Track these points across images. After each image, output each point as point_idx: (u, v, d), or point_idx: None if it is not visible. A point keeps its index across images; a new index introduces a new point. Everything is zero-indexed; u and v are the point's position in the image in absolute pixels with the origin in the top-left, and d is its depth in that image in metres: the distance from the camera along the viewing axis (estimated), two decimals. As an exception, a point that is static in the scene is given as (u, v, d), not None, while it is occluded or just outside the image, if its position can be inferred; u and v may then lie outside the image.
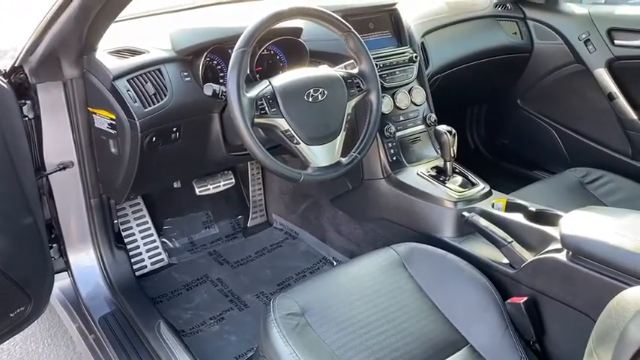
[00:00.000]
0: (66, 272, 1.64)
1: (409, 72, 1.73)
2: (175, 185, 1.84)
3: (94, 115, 1.43)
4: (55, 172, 1.49)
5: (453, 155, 1.52)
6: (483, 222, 1.36)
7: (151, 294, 1.75)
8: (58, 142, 1.47)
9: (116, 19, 1.33)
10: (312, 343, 1.08)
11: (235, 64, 1.21)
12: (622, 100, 1.93)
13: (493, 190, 1.51)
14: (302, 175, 1.28)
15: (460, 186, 1.53)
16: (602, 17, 1.95)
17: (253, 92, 1.26)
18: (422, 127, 1.73)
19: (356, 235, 1.83)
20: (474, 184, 1.53)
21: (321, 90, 1.31)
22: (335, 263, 1.93)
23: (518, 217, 1.35)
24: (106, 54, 1.38)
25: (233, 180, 1.92)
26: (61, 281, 1.64)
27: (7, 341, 1.58)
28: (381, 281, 1.24)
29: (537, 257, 1.20)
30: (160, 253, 1.94)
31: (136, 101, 1.32)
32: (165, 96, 1.36)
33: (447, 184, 1.53)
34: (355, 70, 1.41)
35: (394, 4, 1.76)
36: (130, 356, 1.43)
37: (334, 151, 1.33)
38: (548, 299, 1.16)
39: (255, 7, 1.90)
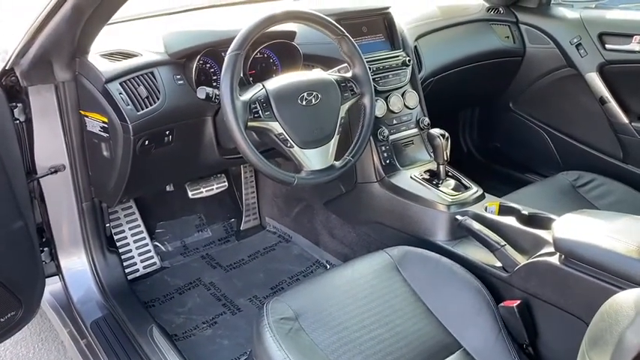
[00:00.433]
0: (57, 276, 1.63)
1: (402, 75, 1.73)
2: (168, 189, 1.83)
3: (86, 119, 1.42)
4: (47, 175, 1.48)
5: (446, 159, 1.52)
6: (476, 225, 1.36)
7: (143, 298, 1.74)
8: (50, 146, 1.46)
9: (109, 22, 1.32)
10: (305, 347, 1.08)
11: (229, 67, 1.21)
12: (613, 104, 1.94)
13: (486, 194, 1.51)
14: (295, 179, 1.28)
15: (453, 189, 1.53)
16: (593, 21, 1.96)
17: (247, 95, 1.26)
18: (415, 130, 1.73)
19: (349, 239, 1.83)
20: (467, 188, 1.53)
21: (314, 93, 1.31)
22: (328, 267, 1.93)
23: (511, 221, 1.35)
24: (98, 57, 1.37)
25: (226, 183, 1.91)
26: (52, 285, 1.62)
27: (-2, 346, 1.57)
28: (374, 285, 1.24)
29: (530, 261, 1.20)
30: (152, 257, 1.93)
31: (128, 104, 1.31)
32: (158, 99, 1.36)
33: (440, 188, 1.52)
34: (349, 74, 1.41)
35: (387, 8, 1.76)
36: None
37: (328, 155, 1.33)
38: (541, 302, 1.17)
39: (249, 10, 1.90)
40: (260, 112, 1.25)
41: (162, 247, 2.01)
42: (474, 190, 1.52)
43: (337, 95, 1.36)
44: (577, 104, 2.08)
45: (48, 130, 1.44)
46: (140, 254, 1.90)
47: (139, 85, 1.34)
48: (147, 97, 1.34)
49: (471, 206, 1.45)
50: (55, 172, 1.49)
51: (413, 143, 1.72)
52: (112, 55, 1.38)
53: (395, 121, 1.70)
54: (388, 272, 1.29)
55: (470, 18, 2.10)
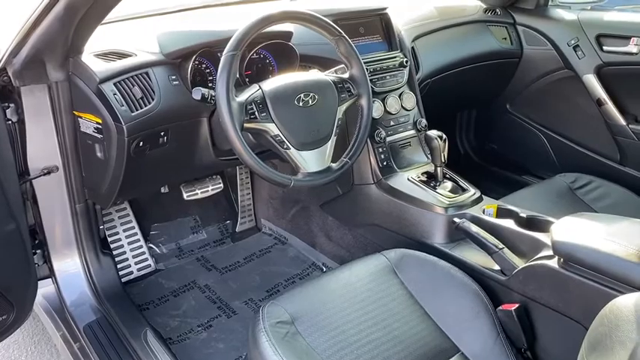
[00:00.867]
0: (50, 279, 1.61)
1: (399, 77, 1.72)
2: (163, 190, 1.81)
3: (79, 119, 1.40)
4: (40, 176, 1.46)
5: (443, 161, 1.51)
6: (474, 228, 1.35)
7: (137, 301, 1.72)
8: (43, 147, 1.44)
9: (103, 22, 1.30)
10: (301, 352, 1.06)
11: (225, 67, 1.20)
12: (611, 106, 1.94)
13: (484, 196, 1.51)
14: (292, 181, 1.27)
15: (450, 191, 1.52)
16: (591, 23, 1.96)
17: (243, 97, 1.24)
18: (412, 132, 1.72)
19: (346, 241, 1.82)
20: (464, 190, 1.52)
21: (311, 95, 1.30)
22: (325, 269, 1.91)
23: (509, 224, 1.34)
24: (92, 57, 1.35)
25: (221, 185, 1.90)
26: (45, 288, 1.60)
27: (-11, 349, 1.55)
28: (371, 288, 1.23)
29: (529, 264, 1.19)
30: (146, 259, 1.91)
31: (122, 105, 1.29)
32: (152, 100, 1.34)
33: (437, 190, 1.52)
34: (346, 75, 1.40)
35: (385, 9, 1.75)
36: None
37: (325, 157, 1.32)
38: (540, 306, 1.16)
39: (245, 10, 1.88)
40: (256, 113, 1.24)
41: (157, 249, 1.99)
42: (472, 192, 1.51)
43: (334, 96, 1.35)
44: (574, 106, 2.08)
45: (41, 130, 1.42)
46: (134, 256, 1.89)
47: (133, 86, 1.32)
48: (141, 98, 1.33)
49: (469, 209, 1.45)
50: (48, 173, 1.47)
51: (410, 145, 1.71)
52: (106, 55, 1.37)
53: (392, 123, 1.69)
54: (385, 275, 1.28)
55: (467, 19, 2.10)
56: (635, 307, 0.68)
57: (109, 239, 1.81)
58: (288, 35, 1.53)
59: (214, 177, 1.89)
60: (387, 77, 1.69)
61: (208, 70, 1.48)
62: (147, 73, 1.35)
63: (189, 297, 1.80)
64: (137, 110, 1.31)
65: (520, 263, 1.23)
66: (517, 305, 1.17)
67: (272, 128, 1.26)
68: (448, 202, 1.46)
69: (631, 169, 1.97)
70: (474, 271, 1.30)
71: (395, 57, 1.73)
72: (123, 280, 1.74)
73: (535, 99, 2.21)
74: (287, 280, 1.88)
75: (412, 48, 1.83)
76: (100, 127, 1.34)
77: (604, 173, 1.85)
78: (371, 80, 1.56)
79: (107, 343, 1.45)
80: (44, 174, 1.46)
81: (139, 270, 1.88)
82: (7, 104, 1.38)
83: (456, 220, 1.40)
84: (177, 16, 1.74)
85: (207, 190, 1.85)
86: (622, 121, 1.93)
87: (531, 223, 1.35)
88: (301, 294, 1.22)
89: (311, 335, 1.10)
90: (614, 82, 1.93)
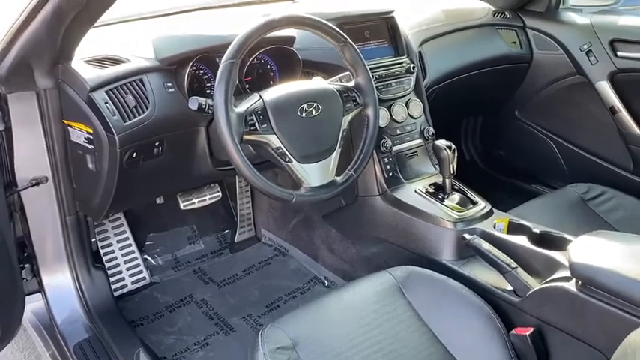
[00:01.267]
0: (40, 293, 1.54)
1: (406, 83, 1.65)
2: (158, 201, 1.74)
3: (69, 129, 1.33)
4: (28, 188, 1.39)
5: (452, 172, 1.45)
6: (485, 245, 1.29)
7: (130, 316, 1.66)
8: (31, 156, 1.37)
9: (95, 25, 1.23)
10: (303, 381, 1.00)
11: (223, 76, 1.13)
12: (624, 114, 1.87)
13: (494, 209, 1.45)
14: (294, 196, 1.20)
15: (459, 204, 1.47)
16: (604, 27, 1.90)
17: (242, 107, 1.18)
18: (419, 141, 1.66)
19: (349, 255, 1.75)
20: (474, 203, 1.47)
21: (315, 104, 1.24)
22: (327, 283, 1.84)
23: (521, 240, 1.29)
24: (83, 63, 1.28)
25: (220, 193, 1.82)
26: (34, 303, 1.54)
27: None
28: (377, 309, 1.17)
29: (544, 285, 1.14)
30: (141, 271, 1.84)
31: (114, 114, 1.23)
32: (147, 108, 1.28)
33: (445, 203, 1.46)
34: (351, 83, 1.33)
35: (391, 12, 1.68)
36: None
37: (329, 170, 1.26)
38: (556, 331, 1.10)
39: (246, 12, 1.81)
40: (257, 124, 1.17)
41: (153, 261, 1.92)
42: (482, 205, 1.45)
43: (339, 106, 1.28)
44: (586, 113, 2.02)
45: (29, 140, 1.36)
46: (128, 269, 1.82)
47: (126, 94, 1.26)
48: (135, 107, 1.26)
49: (479, 223, 1.39)
50: (37, 184, 1.40)
51: (417, 155, 1.64)
52: (97, 61, 1.30)
53: (398, 132, 1.62)
54: (391, 295, 1.22)
55: (476, 22, 2.03)
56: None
57: (102, 251, 1.74)
58: (290, 40, 1.46)
59: (212, 185, 1.82)
60: (394, 84, 1.63)
61: (206, 77, 1.41)
62: (141, 80, 1.29)
63: (185, 312, 1.73)
64: (130, 120, 1.25)
65: (534, 283, 1.18)
66: (532, 329, 1.11)
67: (273, 140, 1.19)
68: (457, 217, 1.40)
69: (645, 179, 1.91)
70: (485, 291, 1.24)
71: (401, 63, 1.66)
72: (116, 293, 1.68)
73: (545, 105, 2.15)
74: (287, 294, 1.81)
75: (419, 52, 1.77)
76: (90, 137, 1.27)
77: (616, 183, 1.79)
78: (377, 87, 1.49)
79: None
80: (33, 185, 1.39)
81: (133, 283, 1.81)
82: (-7, 112, 1.31)
83: (467, 236, 1.34)
84: (174, 19, 1.67)
85: (205, 200, 1.78)
86: (636, 130, 1.87)
87: (545, 240, 1.30)
88: (303, 316, 1.16)
89: (313, 362, 1.04)
90: (629, 89, 1.87)
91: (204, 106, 1.20)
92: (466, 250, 1.35)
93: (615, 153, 1.98)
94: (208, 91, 1.40)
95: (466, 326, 1.15)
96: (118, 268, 1.80)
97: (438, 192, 1.51)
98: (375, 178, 1.56)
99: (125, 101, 1.25)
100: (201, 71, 1.40)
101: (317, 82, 1.32)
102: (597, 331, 1.02)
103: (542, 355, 1.11)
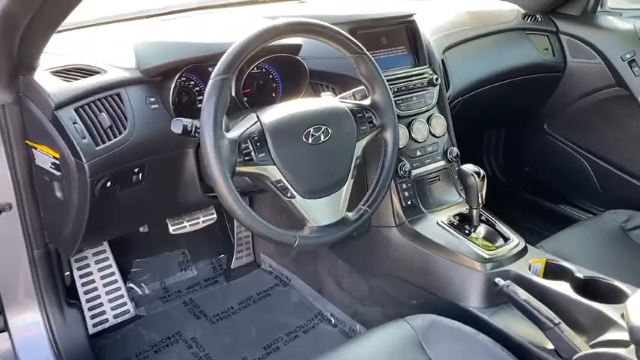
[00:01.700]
0: (5, 334, 1.35)
1: (428, 97, 1.45)
2: (142, 230, 1.53)
3: (34, 151, 1.14)
4: (-11, 216, 1.19)
5: (481, 202, 1.28)
6: (522, 294, 1.12)
7: (109, 359, 1.46)
8: (-8, 181, 1.18)
9: (63, 29, 1.04)
10: None
11: (212, 96, 0.94)
12: (671, 133, 1.69)
13: (528, 245, 1.27)
14: (297, 239, 1.01)
15: (485, 238, 1.29)
16: (651, 34, 1.71)
17: (236, 132, 0.98)
18: (442, 162, 1.46)
19: (360, 291, 1.55)
20: (505, 239, 1.28)
21: (324, 128, 1.04)
22: (333, 321, 1.64)
23: (564, 288, 1.13)
24: (48, 74, 1.08)
25: (215, 215, 1.61)
26: (-2, 345, 1.35)
27: None
28: None
29: (596, 351, 0.96)
30: (125, 303, 1.64)
31: (84, 137, 1.03)
32: (124, 129, 1.08)
33: (471, 236, 1.28)
34: (367, 101, 1.14)
35: (411, 15, 1.47)
36: None
37: (339, 205, 1.07)
38: (609, 405, 0.92)
39: (246, 13, 1.60)
40: (253, 153, 0.98)
41: (138, 290, 1.73)
42: (515, 241, 1.27)
43: (352, 129, 1.09)
44: (625, 129, 1.85)
45: (-11, 162, 1.16)
46: (111, 300, 1.62)
47: (100, 112, 1.06)
48: (110, 127, 1.07)
49: (511, 264, 1.22)
50: (0, 212, 1.21)
51: (439, 179, 1.45)
52: (67, 72, 1.10)
53: (418, 153, 1.43)
54: (410, 350, 1.06)
55: (504, 27, 1.83)
56: None
57: (81, 280, 1.55)
58: (296, 48, 1.26)
59: (206, 206, 1.62)
60: (414, 98, 1.43)
61: (197, 89, 1.22)
62: (118, 95, 1.09)
63: (173, 353, 1.54)
64: (104, 143, 1.05)
65: (582, 344, 1.01)
66: (578, 400, 0.94)
67: (273, 172, 1.00)
68: (487, 256, 1.22)
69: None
70: (521, 349, 1.09)
71: (423, 73, 1.46)
72: (96, 329, 1.50)
73: (578, 119, 1.96)
74: (289, 333, 1.61)
75: (442, 61, 1.56)
76: (57, 162, 1.08)
77: (658, 210, 1.61)
78: (395, 102, 1.29)
79: None
80: (-6, 213, 1.20)
81: (115, 317, 1.61)
82: (-54, 131, 1.11)
83: (499, 281, 1.17)
84: (161, 21, 1.44)
85: (198, 223, 1.57)
86: (684, 151, 1.68)
87: (590, 287, 1.14)
88: None
89: None
90: (678, 105, 1.68)
91: (190, 129, 0.99)
92: (498, 297, 1.17)
93: (658, 175, 1.80)
94: (199, 105, 1.20)
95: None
96: (98, 300, 1.60)
97: (464, 224, 1.33)
98: (392, 206, 1.37)
99: (98, 120, 1.06)
100: (192, 83, 1.21)
101: (326, 101, 1.12)
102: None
103: None
